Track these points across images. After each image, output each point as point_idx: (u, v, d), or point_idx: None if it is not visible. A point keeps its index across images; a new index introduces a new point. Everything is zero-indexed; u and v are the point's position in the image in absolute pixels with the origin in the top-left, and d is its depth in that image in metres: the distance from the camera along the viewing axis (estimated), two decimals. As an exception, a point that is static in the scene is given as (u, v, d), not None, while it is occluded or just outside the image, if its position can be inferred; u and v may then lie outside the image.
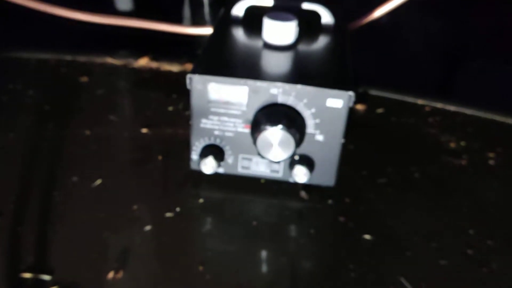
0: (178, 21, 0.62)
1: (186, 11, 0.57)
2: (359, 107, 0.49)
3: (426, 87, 0.55)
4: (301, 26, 0.40)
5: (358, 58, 0.42)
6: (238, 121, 0.36)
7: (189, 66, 0.54)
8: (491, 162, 0.43)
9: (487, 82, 0.58)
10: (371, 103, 0.49)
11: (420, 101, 0.50)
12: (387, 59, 0.62)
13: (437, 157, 0.43)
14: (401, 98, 0.50)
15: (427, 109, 0.49)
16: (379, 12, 0.51)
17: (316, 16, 0.43)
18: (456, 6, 0.84)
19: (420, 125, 0.47)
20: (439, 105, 0.49)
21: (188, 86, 0.35)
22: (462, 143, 0.45)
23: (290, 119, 0.34)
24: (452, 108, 0.49)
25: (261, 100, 0.35)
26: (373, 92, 0.51)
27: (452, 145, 0.44)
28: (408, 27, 0.76)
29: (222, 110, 0.36)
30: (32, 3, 0.54)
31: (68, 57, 0.54)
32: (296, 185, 0.38)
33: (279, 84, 0.34)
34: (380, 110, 0.48)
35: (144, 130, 0.44)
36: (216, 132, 0.37)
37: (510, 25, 0.81)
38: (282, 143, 0.34)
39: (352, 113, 0.48)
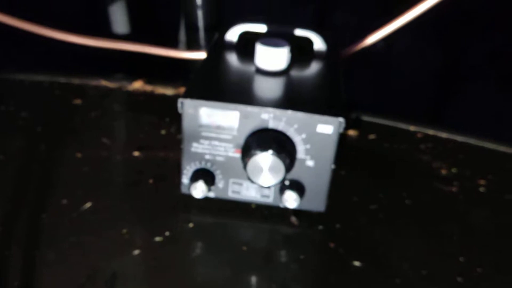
0: (174, 45, 0.63)
1: (182, 35, 0.58)
2: (352, 132, 0.49)
3: (419, 114, 0.56)
4: (293, 52, 0.40)
5: (352, 84, 0.42)
6: (229, 145, 0.36)
7: (183, 90, 0.54)
8: (481, 189, 0.43)
9: (478, 109, 0.59)
10: (364, 129, 0.50)
11: (412, 128, 0.50)
12: (380, 85, 0.62)
13: (428, 183, 0.43)
14: (393, 124, 0.51)
15: (419, 135, 0.49)
16: (372, 39, 0.52)
17: (308, 42, 0.43)
18: (448, 32, 0.86)
19: (412, 152, 0.47)
20: (431, 131, 0.50)
21: (180, 110, 0.35)
22: (454, 170, 0.45)
23: (281, 144, 0.35)
24: (443, 135, 0.49)
25: (252, 125, 0.35)
26: (366, 118, 0.51)
27: (444, 171, 0.44)
28: (401, 53, 0.77)
29: (213, 135, 0.36)
30: (28, 26, 0.54)
31: (62, 79, 0.54)
32: (286, 210, 0.38)
33: (270, 109, 0.35)
34: (372, 136, 0.49)
35: (136, 153, 0.44)
36: (207, 157, 0.37)
37: (502, 51, 0.83)
38: (272, 168, 0.34)
39: (344, 138, 0.48)
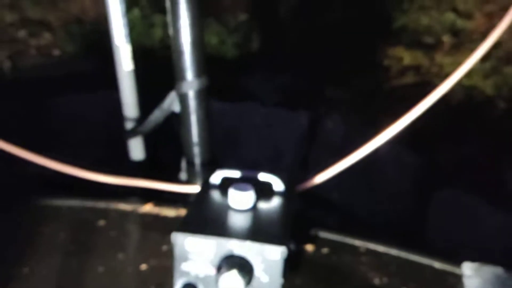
0: (178, 169, 0.80)
1: (183, 168, 0.75)
2: (309, 247, 0.63)
3: (364, 229, 0.70)
4: (258, 193, 0.56)
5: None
6: (209, 266, 0.51)
7: (182, 211, 0.70)
8: (404, 295, 0.56)
9: (413, 224, 0.73)
10: (319, 244, 0.64)
11: (357, 242, 0.65)
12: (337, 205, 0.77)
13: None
14: (342, 240, 0.65)
15: (361, 249, 0.64)
16: (322, 177, 0.68)
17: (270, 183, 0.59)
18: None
19: (355, 264, 0.61)
20: (371, 246, 0.64)
21: (172, 241, 0.51)
22: (384, 279, 0.58)
23: (242, 266, 0.49)
24: (380, 249, 0.64)
25: (223, 251, 0.50)
26: (322, 234, 0.66)
27: (376, 281, 0.58)
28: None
29: (197, 257, 0.51)
30: (66, 168, 0.72)
31: (90, 204, 0.71)
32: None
33: (235, 240, 0.50)
34: (325, 250, 0.63)
35: (143, 266, 0.59)
36: (193, 273, 0.51)
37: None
38: (236, 283, 0.49)
39: (303, 252, 0.63)
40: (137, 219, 0.69)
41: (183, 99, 0.68)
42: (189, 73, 0.66)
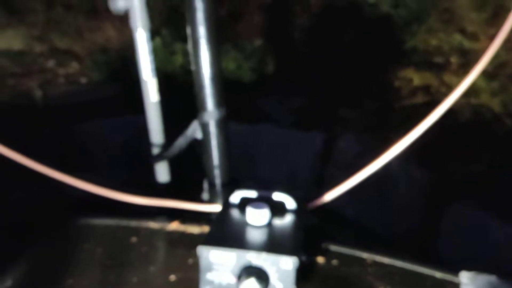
0: (201, 190, 0.87)
1: (205, 188, 0.83)
2: (320, 259, 0.70)
3: (370, 242, 0.77)
4: (273, 210, 0.64)
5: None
6: (230, 275, 0.58)
7: (205, 228, 0.77)
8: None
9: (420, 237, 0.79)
10: (329, 256, 0.71)
11: (364, 255, 0.71)
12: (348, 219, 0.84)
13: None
14: (350, 253, 0.72)
15: (368, 261, 0.70)
16: (333, 194, 0.75)
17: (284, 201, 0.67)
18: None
19: (362, 274, 0.68)
20: (377, 258, 0.70)
21: (198, 253, 0.58)
22: None
23: (260, 275, 0.56)
24: (386, 260, 0.70)
25: (243, 262, 0.57)
26: (332, 247, 0.73)
27: (381, 289, 0.65)
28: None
29: (220, 268, 0.58)
30: (100, 190, 0.80)
31: (124, 222, 0.79)
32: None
33: (252, 252, 0.57)
34: (335, 262, 0.70)
35: (172, 278, 0.67)
36: (216, 282, 0.59)
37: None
38: (254, 290, 0.56)
39: (314, 264, 0.69)
40: (165, 236, 0.76)
41: (204, 127, 0.77)
42: (210, 105, 0.74)
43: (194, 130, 0.78)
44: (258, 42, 2.06)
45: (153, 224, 0.78)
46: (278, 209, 0.65)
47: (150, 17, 0.80)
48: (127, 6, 0.77)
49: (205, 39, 0.71)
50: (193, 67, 0.75)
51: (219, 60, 0.73)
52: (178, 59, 1.96)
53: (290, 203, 0.66)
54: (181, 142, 0.81)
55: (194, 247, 0.67)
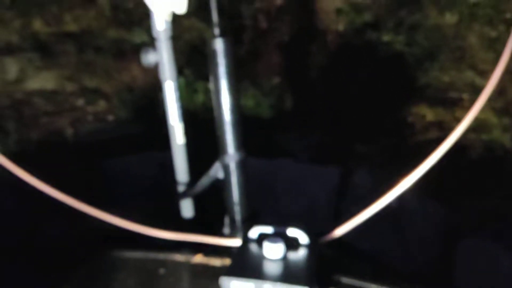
0: (222, 225, 0.94)
1: (226, 224, 0.90)
2: (333, 291, 0.76)
3: (385, 274, 0.82)
4: (287, 244, 0.70)
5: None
6: (248, 303, 0.65)
7: (227, 261, 0.84)
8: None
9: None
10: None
11: (373, 286, 0.77)
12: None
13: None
14: (363, 285, 0.77)
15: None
16: (344, 228, 0.81)
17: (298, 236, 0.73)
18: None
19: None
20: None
21: (220, 284, 0.65)
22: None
23: (275, 303, 0.63)
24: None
25: (260, 292, 0.64)
26: (344, 280, 0.78)
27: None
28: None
29: (240, 297, 0.65)
30: (129, 224, 0.88)
31: (152, 255, 0.86)
32: None
33: (269, 283, 0.64)
34: (347, 294, 0.76)
35: (196, 306, 0.73)
36: (237, 309, 0.65)
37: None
38: (270, 317, 0.62)
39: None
40: (190, 267, 0.84)
41: (225, 168, 0.84)
42: (231, 149, 0.82)
43: (216, 171, 0.86)
44: (276, 80, 2.16)
45: (179, 257, 0.85)
46: (292, 244, 0.72)
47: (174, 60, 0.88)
48: (157, 60, 0.86)
49: (226, 91, 0.79)
50: (215, 114, 0.84)
51: (239, 109, 0.81)
52: (200, 97, 2.07)
53: (303, 238, 0.73)
54: (204, 181, 0.89)
55: (216, 278, 0.74)
